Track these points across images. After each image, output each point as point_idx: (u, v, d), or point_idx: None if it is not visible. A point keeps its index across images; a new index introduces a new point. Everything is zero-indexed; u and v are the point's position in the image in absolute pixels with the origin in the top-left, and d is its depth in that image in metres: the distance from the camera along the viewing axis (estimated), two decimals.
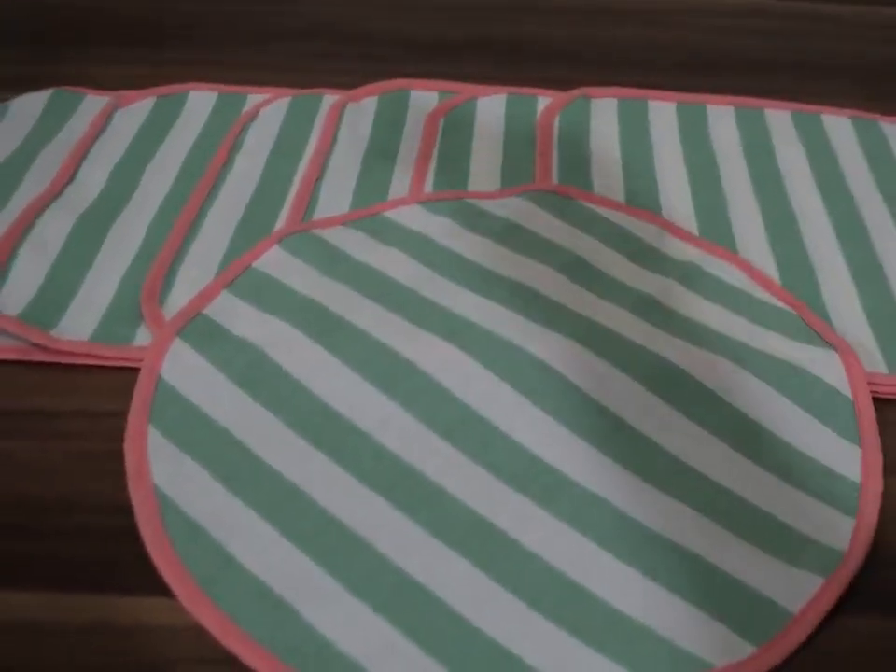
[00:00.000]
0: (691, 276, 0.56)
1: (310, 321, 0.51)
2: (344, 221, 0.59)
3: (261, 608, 0.39)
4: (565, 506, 0.43)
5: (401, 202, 0.60)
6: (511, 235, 0.58)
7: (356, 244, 0.57)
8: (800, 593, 0.40)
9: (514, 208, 0.60)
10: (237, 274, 0.54)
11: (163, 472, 0.44)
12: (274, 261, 0.55)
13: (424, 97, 0.72)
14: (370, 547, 0.41)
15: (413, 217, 0.59)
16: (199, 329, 0.50)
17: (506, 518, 0.43)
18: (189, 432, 0.46)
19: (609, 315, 0.52)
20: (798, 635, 0.39)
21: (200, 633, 0.39)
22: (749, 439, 0.46)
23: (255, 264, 0.55)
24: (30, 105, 0.69)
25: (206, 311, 0.52)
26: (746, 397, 0.48)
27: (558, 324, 0.51)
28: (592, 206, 0.61)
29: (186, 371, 0.48)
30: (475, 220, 0.59)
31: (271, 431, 0.46)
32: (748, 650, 0.38)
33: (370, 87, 0.72)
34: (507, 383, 0.48)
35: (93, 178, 0.63)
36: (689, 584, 0.40)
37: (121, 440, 0.46)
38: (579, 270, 0.55)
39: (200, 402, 0.47)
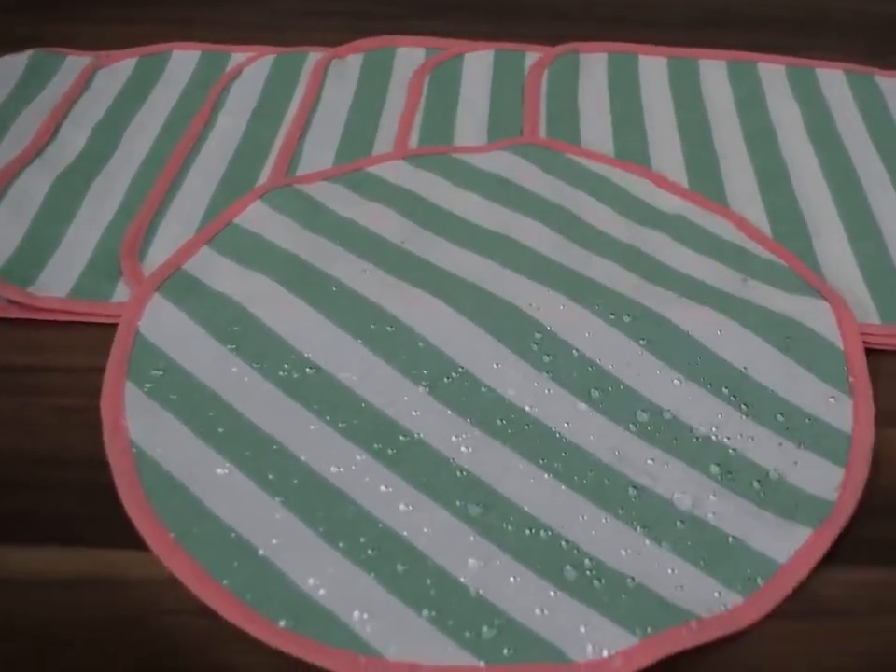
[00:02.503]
0: (678, 228, 0.55)
1: (292, 275, 0.50)
2: (327, 177, 0.58)
3: (237, 559, 0.38)
4: (550, 459, 0.42)
5: (385, 157, 0.59)
6: (498, 190, 0.57)
7: (339, 198, 0.56)
8: (789, 544, 0.40)
9: (501, 162, 0.59)
10: (218, 230, 0.53)
11: (140, 427, 0.43)
12: (256, 217, 0.54)
13: (410, 54, 0.70)
14: (349, 499, 0.41)
15: (398, 173, 0.58)
16: (178, 285, 0.50)
17: (489, 469, 0.42)
18: (167, 387, 0.45)
19: (598, 268, 0.51)
20: (786, 585, 0.38)
21: (176, 585, 0.38)
22: (739, 391, 0.46)
23: (236, 220, 0.54)
24: (9, 67, 0.68)
25: (186, 266, 0.51)
26: (734, 348, 0.47)
27: (545, 277, 0.50)
28: (580, 160, 0.60)
29: (164, 326, 0.48)
30: (461, 175, 0.58)
31: (250, 385, 0.45)
32: (735, 600, 0.38)
33: (355, 43, 0.70)
34: (492, 336, 0.47)
35: (74, 138, 0.62)
36: (675, 536, 0.40)
37: (99, 395, 0.45)
38: (566, 223, 0.55)
39: (178, 357, 0.46)
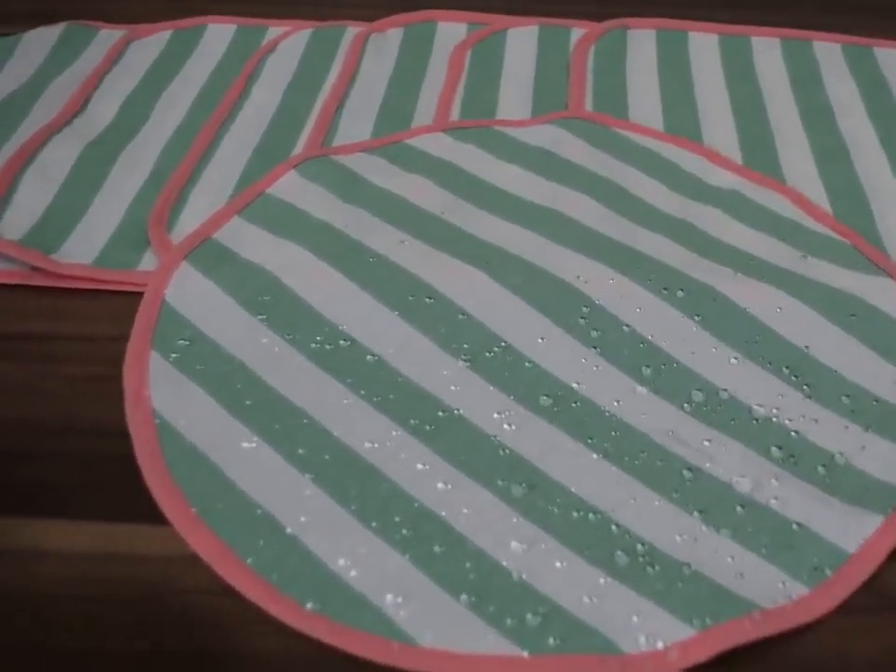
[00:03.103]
0: (733, 204, 0.52)
1: (326, 246, 0.48)
2: (365, 148, 0.55)
3: (263, 537, 0.36)
4: (599, 438, 0.40)
5: (425, 129, 0.57)
6: (542, 162, 0.54)
7: (377, 170, 0.53)
8: (859, 532, 0.37)
9: (546, 135, 0.56)
10: (250, 200, 0.51)
11: (163, 397, 0.41)
12: (290, 187, 0.52)
13: (451, 28, 0.68)
14: (383, 476, 0.38)
15: (438, 145, 0.56)
16: (207, 254, 0.47)
17: (533, 447, 0.39)
18: (193, 357, 0.43)
19: (648, 242, 0.49)
20: (857, 576, 0.35)
21: (196, 563, 0.35)
22: (800, 370, 0.43)
23: (269, 190, 0.52)
24: (42, 38, 0.67)
25: (216, 235, 0.48)
26: (794, 326, 0.44)
27: (593, 250, 0.48)
28: (628, 134, 0.57)
29: (192, 295, 0.45)
30: (504, 148, 0.55)
31: (280, 357, 0.43)
32: (801, 591, 0.35)
33: (395, 17, 0.68)
34: (537, 309, 0.45)
35: (104, 109, 0.60)
36: (734, 521, 0.37)
37: (121, 365, 0.43)
38: (615, 197, 0.52)
39: (205, 327, 0.44)
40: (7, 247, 0.47)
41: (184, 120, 0.59)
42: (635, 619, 0.34)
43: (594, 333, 0.44)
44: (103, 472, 0.39)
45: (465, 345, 0.43)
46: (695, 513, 0.37)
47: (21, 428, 0.41)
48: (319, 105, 0.60)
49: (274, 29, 0.68)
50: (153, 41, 0.67)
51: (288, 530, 0.36)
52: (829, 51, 0.66)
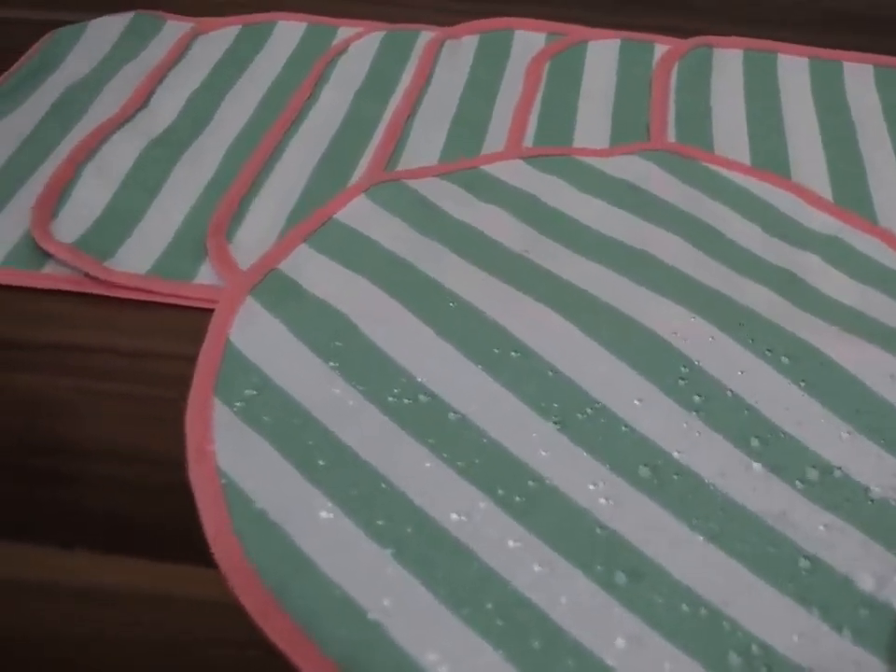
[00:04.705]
0: (832, 251, 0.48)
1: (401, 283, 0.45)
2: (439, 173, 0.52)
3: (345, 624, 0.32)
4: (703, 518, 0.36)
5: (501, 156, 0.54)
6: (629, 198, 0.51)
7: (451, 197, 0.50)
8: None
9: (632, 168, 0.53)
10: (317, 226, 0.48)
11: (229, 453, 0.37)
12: (360, 213, 0.49)
13: (529, 38, 0.65)
14: (472, 555, 0.35)
15: (516, 173, 0.52)
16: (274, 288, 0.44)
17: (632, 527, 0.36)
18: (260, 408, 0.39)
19: (746, 292, 0.45)
20: None
21: (242, 613, 0.33)
22: None
23: (338, 215, 0.49)
24: (107, 27, 0.65)
25: (282, 266, 0.45)
26: None
27: (688, 300, 0.44)
28: (717, 168, 0.54)
29: (259, 335, 0.42)
30: (587, 180, 0.52)
31: (354, 411, 0.39)
32: None
33: (471, 24, 0.66)
34: (632, 368, 0.41)
35: (168, 105, 0.58)
36: (857, 622, 0.33)
37: (169, 384, 0.41)
38: (708, 239, 0.49)
39: (273, 373, 0.41)
40: (63, 252, 0.46)
41: (249, 122, 0.57)
42: None
43: (695, 398, 0.40)
44: (144, 502, 0.37)
45: (554, 405, 0.40)
46: (815, 610, 0.34)
47: (58, 449, 0.39)
48: (390, 113, 0.58)
49: (345, 29, 0.66)
50: (220, 35, 0.65)
51: (370, 615, 0.33)
52: None
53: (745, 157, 0.56)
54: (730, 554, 0.35)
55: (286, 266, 0.45)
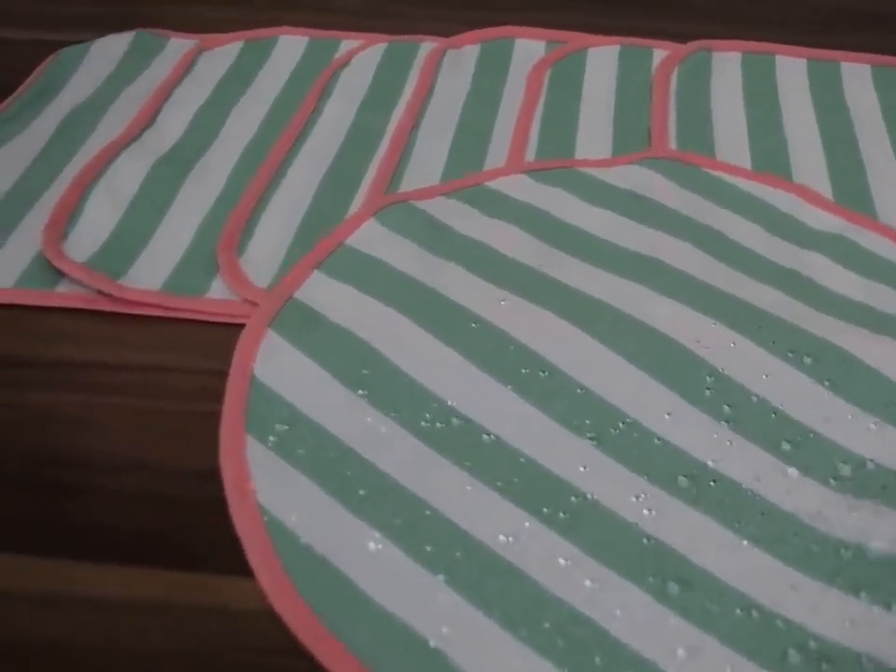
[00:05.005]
0: (838, 250, 0.49)
1: (420, 306, 0.45)
2: (444, 192, 0.52)
3: (409, 657, 0.32)
4: (744, 522, 0.37)
5: (505, 171, 0.54)
6: (634, 207, 0.51)
7: (458, 215, 0.50)
8: None
9: (635, 177, 0.54)
10: (329, 252, 0.48)
11: (268, 489, 0.37)
12: (371, 237, 0.49)
13: (529, 46, 0.66)
14: (524, 575, 0.35)
15: (521, 188, 0.53)
16: (292, 318, 0.44)
17: (676, 534, 0.36)
18: (294, 441, 0.39)
19: (759, 295, 0.46)
20: None
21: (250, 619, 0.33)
22: None
23: (348, 241, 0.49)
24: (111, 46, 0.66)
25: (298, 295, 0.45)
26: None
27: (704, 306, 0.45)
28: (719, 174, 0.54)
29: (284, 369, 0.42)
30: (592, 191, 0.53)
31: (389, 438, 0.39)
32: None
33: (472, 33, 0.66)
34: (659, 381, 0.42)
35: (174, 122, 0.58)
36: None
37: (181, 398, 0.41)
38: (713, 243, 0.49)
39: (303, 406, 0.40)
40: (77, 271, 0.46)
41: (255, 137, 0.57)
42: None
43: (725, 408, 0.41)
44: (163, 515, 0.37)
45: (587, 421, 0.40)
46: (863, 595, 0.34)
47: (77, 464, 0.39)
48: (394, 124, 0.58)
49: (347, 42, 0.66)
50: (224, 52, 0.66)
51: (432, 644, 0.33)
52: None
53: (745, 158, 0.56)
54: (775, 556, 0.35)
55: (301, 295, 0.45)
